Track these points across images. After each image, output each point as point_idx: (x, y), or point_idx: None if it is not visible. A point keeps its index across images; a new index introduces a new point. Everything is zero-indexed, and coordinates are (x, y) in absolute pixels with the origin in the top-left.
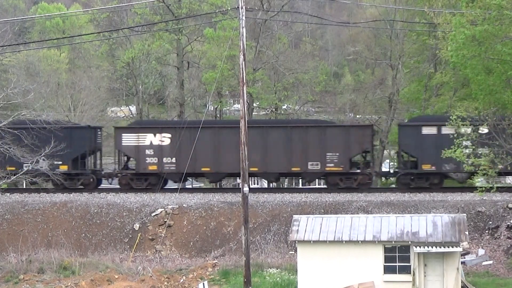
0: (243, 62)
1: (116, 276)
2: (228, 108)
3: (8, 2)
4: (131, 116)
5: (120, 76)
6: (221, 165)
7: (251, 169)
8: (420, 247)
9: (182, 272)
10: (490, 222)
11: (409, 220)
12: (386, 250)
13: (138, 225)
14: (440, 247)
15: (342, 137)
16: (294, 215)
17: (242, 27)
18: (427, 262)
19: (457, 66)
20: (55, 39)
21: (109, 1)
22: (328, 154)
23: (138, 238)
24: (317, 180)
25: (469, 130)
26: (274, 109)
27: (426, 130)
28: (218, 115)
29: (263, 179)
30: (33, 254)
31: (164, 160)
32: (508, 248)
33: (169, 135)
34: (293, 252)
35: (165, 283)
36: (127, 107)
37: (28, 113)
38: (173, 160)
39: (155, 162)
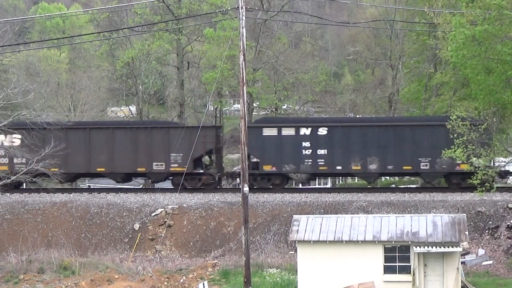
0: (243, 62)
1: (116, 276)
2: (228, 108)
3: (8, 2)
4: (131, 116)
5: (120, 76)
6: (71, 165)
7: (98, 169)
8: (420, 247)
9: (182, 272)
10: (490, 222)
11: (409, 220)
12: (386, 250)
13: (138, 225)
14: (440, 247)
15: (185, 138)
16: (294, 215)
17: (242, 27)
18: (427, 262)
19: (457, 66)
20: (55, 39)
21: (109, 1)
22: (172, 154)
23: (138, 238)
24: (317, 180)
25: None
26: (274, 109)
27: (267, 132)
28: (218, 115)
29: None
30: (33, 254)
31: (15, 160)
32: (508, 248)
33: (20, 136)
34: (293, 252)
35: (165, 283)
36: (127, 107)
37: (28, 113)
38: (23, 161)
39: (6, 162)
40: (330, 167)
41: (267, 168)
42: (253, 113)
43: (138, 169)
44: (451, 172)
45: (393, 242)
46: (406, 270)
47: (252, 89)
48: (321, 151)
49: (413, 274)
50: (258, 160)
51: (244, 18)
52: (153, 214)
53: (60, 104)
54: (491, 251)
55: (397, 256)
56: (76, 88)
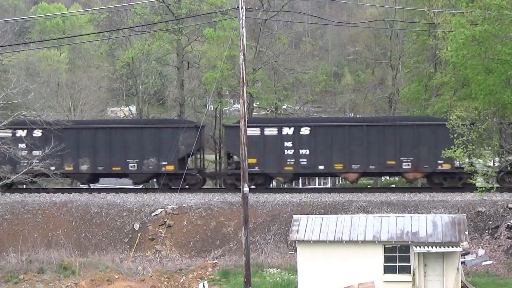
0: (243, 62)
1: (116, 276)
2: (228, 108)
3: (8, 2)
4: (131, 116)
5: (120, 76)
6: None
7: None
8: (420, 247)
9: (182, 272)
10: (490, 222)
11: (409, 220)
12: (386, 250)
13: (138, 225)
14: (440, 247)
15: None
16: (294, 215)
17: (242, 27)
18: (427, 262)
19: (457, 66)
20: (55, 39)
21: (109, 1)
22: None
23: (138, 238)
24: (317, 179)
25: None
26: (274, 109)
27: None
28: (218, 115)
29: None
30: (33, 254)
31: None
32: (508, 248)
33: None
34: (293, 252)
35: (165, 283)
36: (127, 107)
37: (28, 113)
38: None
39: None
40: (45, 167)
41: None
42: (253, 113)
43: None
44: (157, 173)
45: (393, 242)
46: (406, 270)
47: (252, 89)
48: (36, 153)
49: (413, 274)
50: None
51: (244, 18)
52: (153, 214)
53: (60, 104)
54: (491, 251)
55: (397, 256)
56: (76, 88)
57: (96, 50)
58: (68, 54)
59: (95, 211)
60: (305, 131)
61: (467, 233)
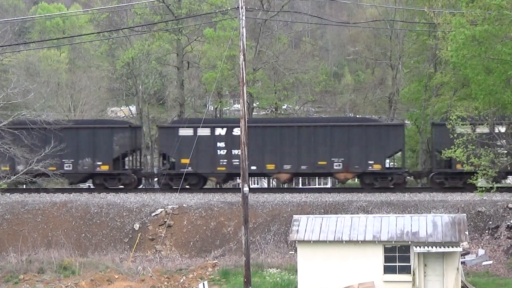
0: (243, 62)
1: (116, 276)
2: (228, 108)
3: (8, 2)
4: (131, 116)
5: (120, 76)
6: None
7: None
8: (420, 247)
9: (182, 272)
10: (490, 222)
11: (409, 220)
12: (386, 250)
13: (138, 225)
14: (440, 247)
15: None
16: (294, 215)
17: (242, 27)
18: (427, 262)
19: (457, 66)
20: (55, 39)
21: (109, 1)
22: None
23: (138, 238)
24: (317, 179)
25: None
26: (274, 109)
27: None
28: (218, 115)
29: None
30: (33, 254)
31: None
32: (508, 248)
33: None
34: (293, 252)
35: (165, 283)
36: (127, 107)
37: (28, 113)
38: None
39: None
40: None
41: None
42: (253, 113)
43: None
44: (92, 173)
45: (393, 242)
46: (406, 270)
47: (252, 89)
48: None
49: (413, 274)
50: None
51: (244, 18)
52: (153, 214)
53: (60, 104)
54: (491, 251)
55: (397, 256)
56: (76, 88)
57: (96, 50)
58: (68, 54)
59: (95, 211)
60: (237, 131)
61: (467, 233)
